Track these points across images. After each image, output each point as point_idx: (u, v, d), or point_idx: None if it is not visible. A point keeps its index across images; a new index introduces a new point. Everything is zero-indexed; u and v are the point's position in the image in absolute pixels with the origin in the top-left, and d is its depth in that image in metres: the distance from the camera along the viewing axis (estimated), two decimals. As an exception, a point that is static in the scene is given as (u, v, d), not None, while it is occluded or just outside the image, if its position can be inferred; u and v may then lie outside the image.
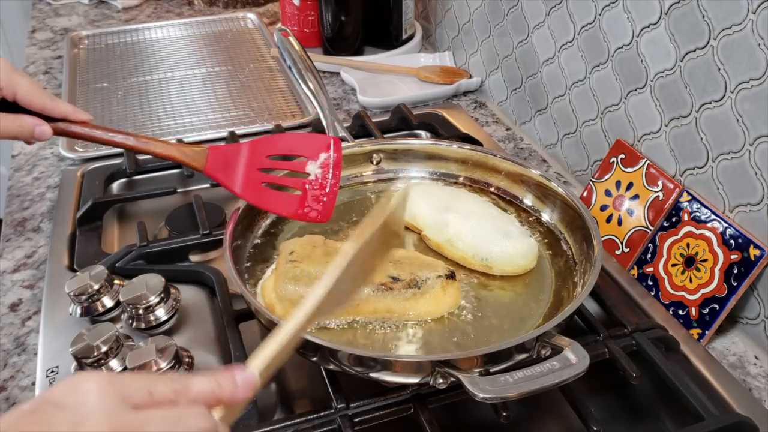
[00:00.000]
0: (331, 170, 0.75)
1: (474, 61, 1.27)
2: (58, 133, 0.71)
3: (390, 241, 0.55)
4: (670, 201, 0.81)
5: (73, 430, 0.38)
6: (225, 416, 0.43)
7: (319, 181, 0.75)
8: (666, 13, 0.79)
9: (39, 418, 0.38)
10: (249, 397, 0.44)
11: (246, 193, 0.73)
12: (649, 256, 0.82)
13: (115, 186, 1.01)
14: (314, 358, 0.60)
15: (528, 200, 0.83)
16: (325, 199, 0.74)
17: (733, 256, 0.73)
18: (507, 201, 0.85)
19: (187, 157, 0.73)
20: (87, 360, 0.66)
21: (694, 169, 0.79)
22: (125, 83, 1.29)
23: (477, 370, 0.58)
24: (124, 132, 0.73)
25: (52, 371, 0.70)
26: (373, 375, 0.58)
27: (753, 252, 0.71)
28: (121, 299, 0.72)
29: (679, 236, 0.79)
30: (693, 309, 0.75)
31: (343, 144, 0.88)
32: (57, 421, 0.38)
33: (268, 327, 0.63)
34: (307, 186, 0.75)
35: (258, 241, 0.78)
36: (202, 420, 0.42)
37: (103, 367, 0.67)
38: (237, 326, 0.70)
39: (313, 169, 0.75)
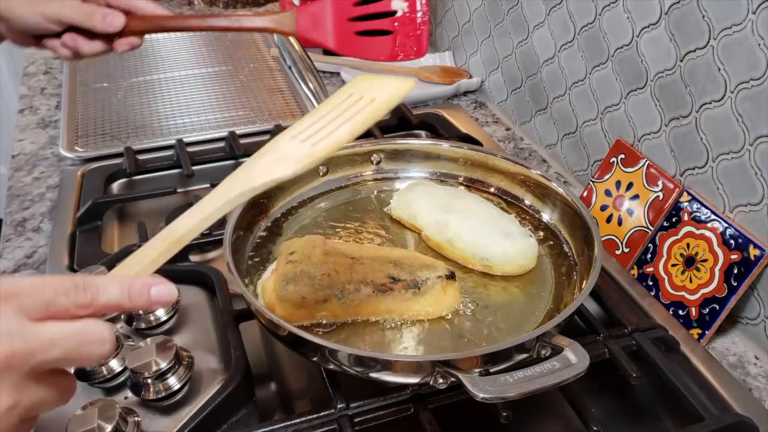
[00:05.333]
0: (417, 1, 0.70)
1: (474, 61, 1.27)
2: (140, 29, 0.76)
3: None
4: (670, 201, 0.81)
5: None
6: None
7: (408, 15, 0.70)
8: (666, 13, 0.79)
9: None
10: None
11: (341, 46, 0.71)
12: (649, 256, 0.82)
13: (115, 186, 1.01)
14: (314, 358, 0.60)
15: (528, 200, 0.83)
16: (419, 31, 0.71)
17: (733, 256, 0.73)
18: (507, 201, 0.84)
19: (278, 25, 0.73)
20: (87, 360, 0.66)
21: (694, 169, 0.79)
22: (125, 83, 1.29)
23: (477, 370, 0.58)
24: (208, 15, 0.75)
25: (52, 371, 0.70)
26: (373, 375, 0.58)
27: (753, 252, 0.71)
28: (121, 299, 0.72)
29: (679, 236, 0.79)
30: (693, 309, 0.75)
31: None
32: None
33: (269, 327, 0.63)
34: (396, 24, 0.71)
35: (258, 240, 0.78)
36: (105, 346, 0.40)
37: (102, 368, 0.67)
38: (237, 326, 0.70)
39: (398, 4, 0.71)
